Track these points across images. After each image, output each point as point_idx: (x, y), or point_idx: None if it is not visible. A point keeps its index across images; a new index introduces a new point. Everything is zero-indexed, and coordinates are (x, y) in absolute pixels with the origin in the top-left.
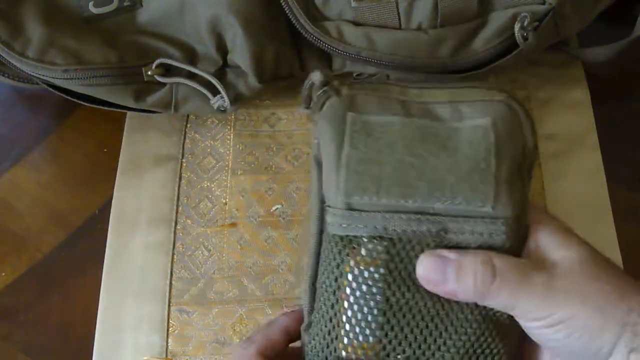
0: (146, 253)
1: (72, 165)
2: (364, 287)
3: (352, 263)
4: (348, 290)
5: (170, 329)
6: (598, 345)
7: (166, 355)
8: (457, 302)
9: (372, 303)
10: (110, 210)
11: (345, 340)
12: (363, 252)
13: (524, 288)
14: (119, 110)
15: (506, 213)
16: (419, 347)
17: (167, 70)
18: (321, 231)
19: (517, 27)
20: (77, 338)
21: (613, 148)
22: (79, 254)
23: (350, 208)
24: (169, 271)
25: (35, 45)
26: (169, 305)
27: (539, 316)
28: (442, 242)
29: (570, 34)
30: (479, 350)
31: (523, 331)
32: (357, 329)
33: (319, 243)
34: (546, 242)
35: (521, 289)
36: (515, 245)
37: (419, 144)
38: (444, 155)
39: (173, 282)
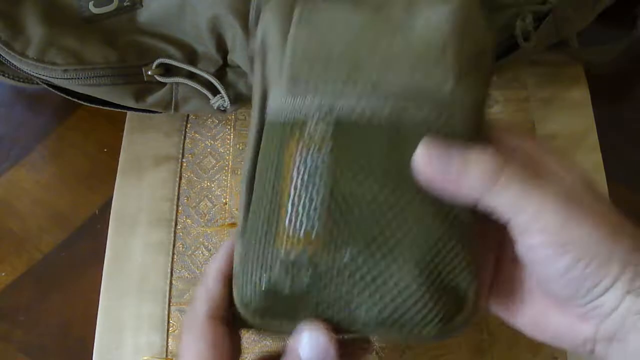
0: (146, 253)
1: (72, 165)
2: (307, 176)
3: (294, 149)
4: (289, 180)
5: (170, 329)
6: (598, 278)
7: (166, 355)
8: (418, 194)
9: (315, 193)
10: (110, 210)
11: (285, 237)
12: (307, 135)
13: (537, 187)
14: (119, 110)
15: (467, 99)
16: (369, 244)
17: (167, 70)
18: (262, 123)
19: (517, 27)
20: (77, 338)
21: (613, 148)
22: (79, 254)
23: (294, 91)
24: (169, 271)
25: (35, 45)
26: (169, 305)
27: (550, 228)
28: (395, 123)
29: (570, 34)
30: (439, 255)
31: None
32: (298, 224)
33: (259, 135)
34: (541, 160)
35: (534, 187)
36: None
37: (372, 27)
38: (400, 37)
39: (173, 282)
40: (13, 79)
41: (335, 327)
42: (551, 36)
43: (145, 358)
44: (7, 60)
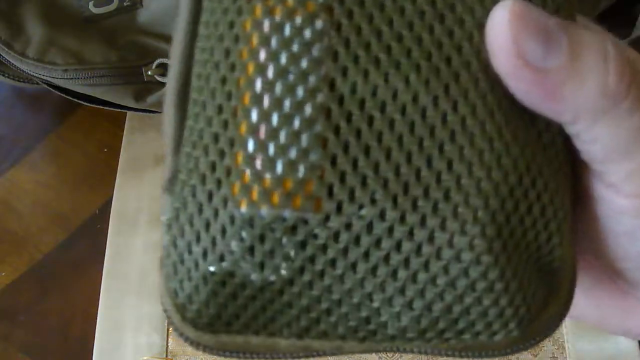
0: (146, 253)
1: (72, 165)
2: (284, 56)
3: (259, 11)
4: (252, 67)
5: (170, 329)
6: None
7: (166, 355)
8: (490, 97)
9: (301, 90)
10: (110, 210)
11: (247, 175)
12: None
13: None
14: (119, 110)
15: None
16: (402, 195)
17: (167, 70)
18: None
19: None
20: (77, 338)
21: None
22: (79, 254)
23: None
24: None
25: (35, 45)
26: None
27: None
28: None
29: None
30: (524, 210)
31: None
32: (272, 146)
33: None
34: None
35: None
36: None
37: None
38: None
39: None
40: (13, 79)
41: (339, 342)
42: None
43: (145, 358)
44: (7, 60)
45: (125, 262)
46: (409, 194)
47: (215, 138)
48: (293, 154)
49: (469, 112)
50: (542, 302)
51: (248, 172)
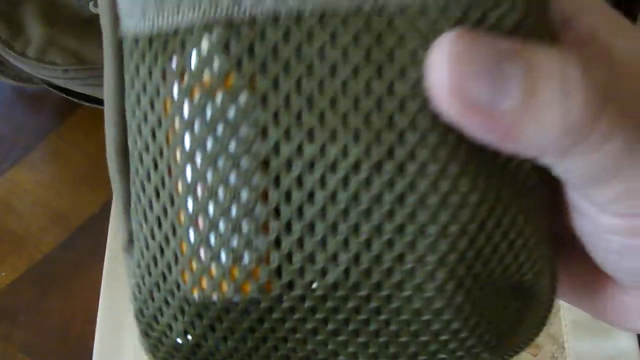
0: None
1: (72, 165)
2: (210, 142)
3: (175, 93)
4: (179, 155)
5: None
6: None
7: None
8: (435, 137)
9: (235, 176)
10: (110, 210)
11: (194, 264)
12: (195, 62)
13: None
14: None
15: None
16: (358, 257)
17: None
18: (119, 38)
19: None
20: (77, 338)
21: None
22: (79, 254)
23: None
24: None
25: (35, 44)
26: None
27: None
28: (371, 12)
29: None
30: (486, 244)
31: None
32: (213, 237)
33: (118, 64)
34: (617, 49)
35: None
36: (540, 28)
37: None
38: None
39: None
40: (13, 79)
41: None
42: None
43: (146, 358)
44: (8, 60)
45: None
46: (360, 265)
47: (159, 222)
48: (235, 243)
49: (417, 172)
50: (517, 317)
51: (194, 262)
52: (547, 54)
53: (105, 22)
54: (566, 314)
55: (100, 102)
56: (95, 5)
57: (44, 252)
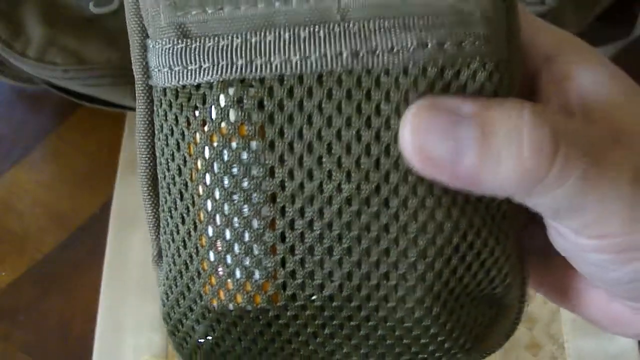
0: (146, 253)
1: (72, 165)
2: (227, 180)
3: (198, 138)
4: (202, 189)
5: None
6: None
7: (166, 356)
8: (413, 180)
9: (247, 208)
10: (110, 210)
11: (214, 279)
12: (214, 114)
13: (604, 174)
14: (119, 110)
15: (486, 2)
16: (350, 275)
17: None
18: (148, 87)
19: None
20: (77, 338)
21: None
22: (79, 253)
23: (183, 33)
24: None
25: (35, 44)
26: None
27: (611, 231)
28: (365, 72)
29: None
30: (459, 264)
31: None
32: (229, 258)
33: (149, 108)
34: (595, 88)
35: (599, 175)
36: (508, 80)
37: None
38: None
39: None
40: (13, 79)
41: None
42: None
43: (145, 358)
44: (8, 60)
45: (125, 262)
46: (352, 281)
47: (184, 243)
48: (247, 262)
49: (401, 204)
50: (490, 323)
51: (214, 277)
52: (502, 110)
53: (137, 71)
54: (566, 314)
55: (100, 102)
56: (95, 5)
57: (44, 252)
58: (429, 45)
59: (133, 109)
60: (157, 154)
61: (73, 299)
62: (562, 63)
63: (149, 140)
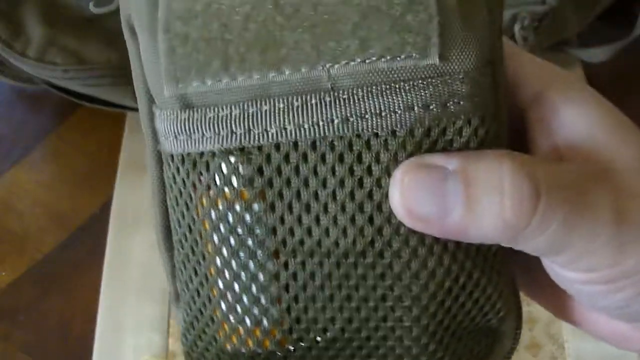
0: (147, 252)
1: (72, 165)
2: (233, 239)
3: (205, 201)
4: (210, 247)
5: (170, 329)
6: None
7: (166, 356)
8: (405, 231)
9: (252, 264)
10: (110, 210)
11: (226, 326)
12: (217, 180)
13: (584, 218)
14: (119, 110)
15: (468, 62)
16: (351, 319)
17: None
18: (158, 150)
19: (517, 27)
20: (77, 338)
21: None
22: (79, 253)
23: (186, 104)
24: None
25: (35, 44)
26: (169, 305)
27: (595, 266)
28: (355, 136)
29: (570, 34)
30: (455, 300)
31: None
32: (239, 308)
33: (160, 168)
34: (579, 125)
35: (580, 219)
36: (494, 130)
37: None
38: None
39: None
40: (13, 79)
41: None
42: (550, 36)
43: (145, 358)
44: (8, 60)
45: (125, 262)
46: (352, 324)
47: (198, 293)
48: (256, 311)
49: (394, 255)
50: (487, 350)
51: (226, 324)
52: (484, 163)
53: (146, 136)
54: None
55: (100, 102)
56: (95, 5)
57: (44, 252)
58: (415, 108)
59: (133, 109)
60: (170, 210)
61: (73, 299)
62: (549, 100)
63: (162, 197)
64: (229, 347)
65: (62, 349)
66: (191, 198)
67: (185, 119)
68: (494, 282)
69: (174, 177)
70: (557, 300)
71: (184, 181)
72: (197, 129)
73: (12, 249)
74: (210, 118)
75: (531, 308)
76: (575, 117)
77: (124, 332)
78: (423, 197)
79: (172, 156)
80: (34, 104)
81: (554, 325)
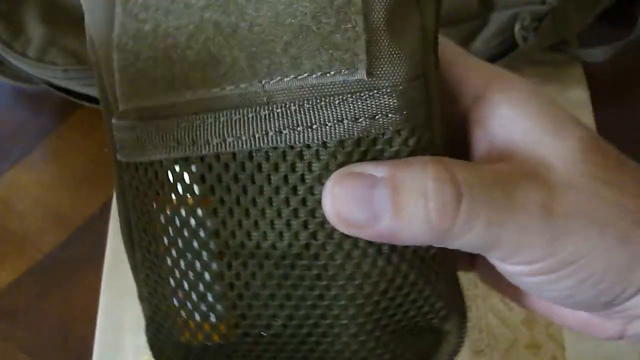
0: None
1: (72, 165)
2: (180, 241)
3: (155, 205)
4: (162, 248)
5: None
6: (619, 289)
7: None
8: (345, 237)
9: (199, 264)
10: (110, 210)
11: (179, 320)
12: (165, 187)
13: (510, 215)
14: None
15: (396, 77)
16: (291, 316)
17: None
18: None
19: (517, 27)
20: (77, 338)
21: None
22: (79, 253)
23: (139, 117)
24: None
25: (35, 45)
26: None
27: (532, 258)
28: (288, 148)
29: (570, 34)
30: (393, 301)
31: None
32: (189, 304)
33: (119, 174)
34: (515, 124)
35: (506, 216)
36: (426, 139)
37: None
38: (267, 10)
39: None
40: (13, 79)
41: None
42: (550, 36)
43: (145, 358)
44: (7, 60)
45: (125, 262)
46: (293, 321)
47: (154, 289)
48: (204, 307)
49: (329, 258)
50: (432, 347)
51: (179, 319)
52: (409, 170)
53: (109, 144)
54: None
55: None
56: None
57: (44, 252)
58: (344, 121)
59: None
60: (130, 216)
61: (73, 299)
62: (487, 101)
63: (123, 199)
64: (182, 340)
65: (62, 349)
66: (144, 203)
67: (138, 129)
68: (432, 284)
69: (129, 183)
70: (522, 293)
71: (137, 187)
72: (148, 139)
73: (12, 249)
74: (160, 130)
75: None
76: (513, 116)
77: (124, 332)
78: (353, 205)
79: (127, 164)
80: (34, 104)
81: (554, 325)
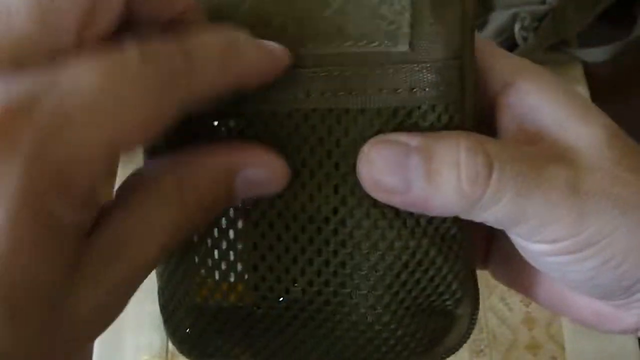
0: None
1: None
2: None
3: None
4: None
5: None
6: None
7: (166, 356)
8: (379, 210)
9: (224, 220)
10: None
11: (198, 278)
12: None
13: (538, 189)
14: None
15: (436, 53)
16: (312, 282)
17: None
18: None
19: (517, 27)
20: None
21: None
22: None
23: None
24: None
25: None
26: None
27: (557, 236)
28: (327, 111)
29: (570, 34)
30: (411, 277)
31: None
32: (210, 261)
33: None
34: (544, 110)
35: (534, 190)
36: (458, 117)
37: None
38: None
39: None
40: None
41: None
42: (550, 36)
43: (145, 358)
44: None
45: None
46: (313, 287)
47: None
48: (224, 266)
49: (356, 225)
50: (444, 330)
51: (197, 277)
52: (443, 143)
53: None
54: None
55: None
56: None
57: None
58: (384, 91)
59: None
60: None
61: None
62: (517, 88)
63: None
64: (198, 299)
65: None
66: None
67: None
68: (451, 263)
69: None
70: (538, 287)
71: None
72: None
73: None
74: None
75: (531, 308)
76: (542, 103)
77: (124, 332)
78: (388, 170)
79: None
80: None
81: (554, 325)
